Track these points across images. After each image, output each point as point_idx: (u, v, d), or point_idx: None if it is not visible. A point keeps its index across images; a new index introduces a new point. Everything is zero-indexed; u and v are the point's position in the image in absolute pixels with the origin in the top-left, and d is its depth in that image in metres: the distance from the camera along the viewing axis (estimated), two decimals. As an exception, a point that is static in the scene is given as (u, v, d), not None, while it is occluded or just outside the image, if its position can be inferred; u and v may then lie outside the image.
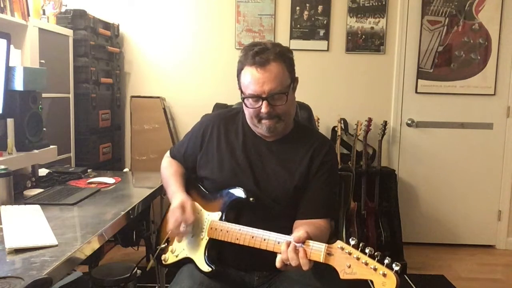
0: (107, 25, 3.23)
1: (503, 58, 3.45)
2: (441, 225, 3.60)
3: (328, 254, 1.11)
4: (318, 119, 3.20)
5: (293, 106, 1.50)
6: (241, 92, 1.44)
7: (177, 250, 1.48)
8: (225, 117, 1.59)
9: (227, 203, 1.42)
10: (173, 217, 1.39)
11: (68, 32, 2.83)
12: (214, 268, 1.36)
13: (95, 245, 1.36)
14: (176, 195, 1.47)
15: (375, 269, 1.02)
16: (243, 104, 1.46)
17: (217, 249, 1.40)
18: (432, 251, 3.47)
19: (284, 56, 1.42)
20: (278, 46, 1.43)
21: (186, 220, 1.38)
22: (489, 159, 3.55)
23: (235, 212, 1.41)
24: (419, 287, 2.81)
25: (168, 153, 1.71)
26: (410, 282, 2.87)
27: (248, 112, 1.45)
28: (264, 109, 1.39)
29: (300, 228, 1.21)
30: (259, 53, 1.37)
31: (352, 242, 1.08)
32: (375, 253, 1.04)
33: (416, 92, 3.49)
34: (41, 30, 2.50)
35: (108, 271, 2.03)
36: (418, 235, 3.58)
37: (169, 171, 1.62)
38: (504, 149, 3.54)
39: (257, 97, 1.39)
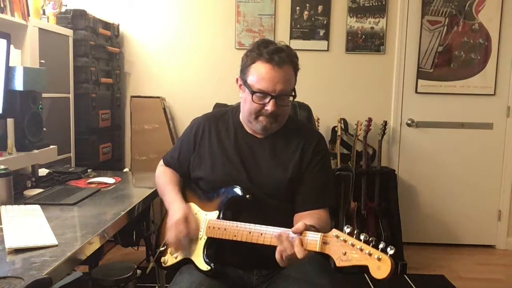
0: (107, 25, 3.23)
1: (503, 58, 3.45)
2: (441, 225, 3.60)
3: (324, 243, 1.12)
4: (318, 119, 3.20)
5: (289, 109, 1.52)
6: (247, 86, 1.43)
7: (176, 252, 1.48)
8: (214, 117, 1.60)
9: (224, 201, 1.42)
10: (176, 229, 1.39)
11: (68, 32, 2.83)
12: (213, 266, 1.36)
13: (95, 245, 1.36)
14: (175, 205, 1.47)
15: (369, 254, 1.03)
16: (244, 98, 1.46)
17: (216, 248, 1.41)
18: (432, 251, 3.47)
19: (294, 61, 1.45)
20: (291, 50, 1.46)
21: (191, 235, 1.40)
22: (489, 159, 3.55)
23: (233, 210, 1.42)
24: (419, 287, 2.81)
25: (161, 162, 1.71)
26: (410, 282, 2.87)
27: (249, 107, 1.45)
28: (270, 107, 1.40)
29: (300, 221, 1.22)
30: (277, 52, 1.39)
31: (347, 230, 1.09)
32: (370, 239, 1.05)
33: (416, 92, 3.49)
34: (41, 30, 2.50)
35: (108, 271, 2.02)
36: (418, 235, 3.58)
37: (163, 179, 1.62)
38: (504, 149, 3.54)
39: (265, 94, 1.40)
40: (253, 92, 1.41)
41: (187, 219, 1.40)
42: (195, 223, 1.41)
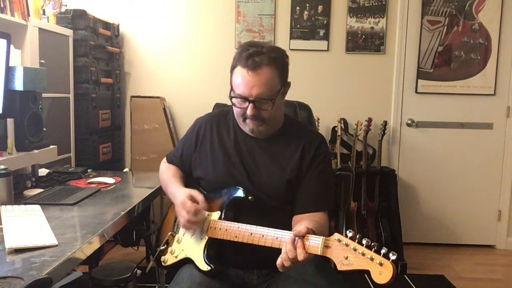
0: (107, 25, 3.23)
1: (503, 58, 3.45)
2: (441, 225, 3.60)
3: (326, 246, 1.12)
4: (318, 119, 3.20)
5: (280, 110, 1.51)
6: (231, 89, 1.45)
7: (176, 251, 1.48)
8: (216, 117, 1.61)
9: (226, 202, 1.43)
10: (184, 208, 1.38)
11: (68, 32, 2.83)
12: (213, 267, 1.36)
13: (95, 245, 1.36)
14: (179, 190, 1.48)
15: (371, 259, 1.03)
16: (231, 101, 1.47)
17: (216, 248, 1.41)
18: (432, 251, 3.47)
19: (278, 62, 1.41)
20: (274, 51, 1.42)
21: (200, 209, 1.39)
22: (489, 159, 3.55)
23: (234, 211, 1.42)
24: (419, 287, 2.81)
25: (164, 160, 1.72)
26: (410, 282, 2.87)
27: (234, 110, 1.48)
28: (249, 111, 1.41)
29: (301, 223, 1.22)
30: (252, 56, 1.37)
31: (350, 234, 1.09)
32: (372, 244, 1.05)
33: (416, 92, 3.49)
34: (41, 30, 2.50)
35: (108, 271, 2.03)
36: (418, 235, 3.58)
37: (167, 174, 1.63)
38: (504, 149, 3.54)
39: (244, 98, 1.40)
40: (232, 97, 1.43)
41: (192, 197, 1.41)
42: (201, 196, 1.42)
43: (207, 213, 1.45)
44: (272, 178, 1.46)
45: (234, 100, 1.43)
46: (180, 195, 1.44)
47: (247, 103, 1.40)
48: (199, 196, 1.42)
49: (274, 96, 1.41)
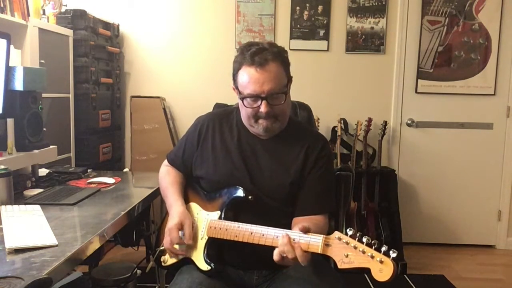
0: (107, 25, 3.23)
1: (503, 58, 3.45)
2: (441, 225, 3.60)
3: (326, 244, 1.12)
4: (318, 119, 3.20)
5: (289, 106, 1.51)
6: (238, 92, 1.44)
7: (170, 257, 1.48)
8: (219, 117, 1.59)
9: (226, 202, 1.42)
10: (170, 235, 1.38)
11: (68, 32, 2.83)
12: (213, 266, 1.36)
13: (95, 245, 1.36)
14: (174, 209, 1.46)
15: (372, 257, 1.03)
16: (240, 104, 1.46)
17: (217, 248, 1.41)
18: (432, 251, 3.47)
19: (281, 56, 1.43)
20: (275, 46, 1.44)
21: (185, 241, 1.39)
22: (489, 159, 3.55)
23: (234, 211, 1.42)
24: (419, 287, 2.81)
25: (165, 162, 1.69)
26: (410, 282, 2.87)
27: (245, 112, 1.45)
28: (263, 108, 1.39)
29: (299, 223, 1.22)
30: (257, 53, 1.38)
31: (350, 233, 1.09)
32: (372, 242, 1.05)
33: (416, 92, 3.49)
34: (41, 30, 2.50)
35: (108, 271, 2.02)
36: (418, 235, 3.58)
37: (167, 180, 1.60)
38: (504, 149, 3.54)
39: (256, 97, 1.40)
40: (243, 98, 1.42)
41: (182, 225, 1.40)
42: (188, 230, 1.40)
43: (207, 213, 1.44)
44: (275, 179, 1.45)
45: (244, 101, 1.42)
46: (173, 217, 1.42)
47: (259, 101, 1.40)
48: (188, 229, 1.40)
49: (285, 90, 1.42)
